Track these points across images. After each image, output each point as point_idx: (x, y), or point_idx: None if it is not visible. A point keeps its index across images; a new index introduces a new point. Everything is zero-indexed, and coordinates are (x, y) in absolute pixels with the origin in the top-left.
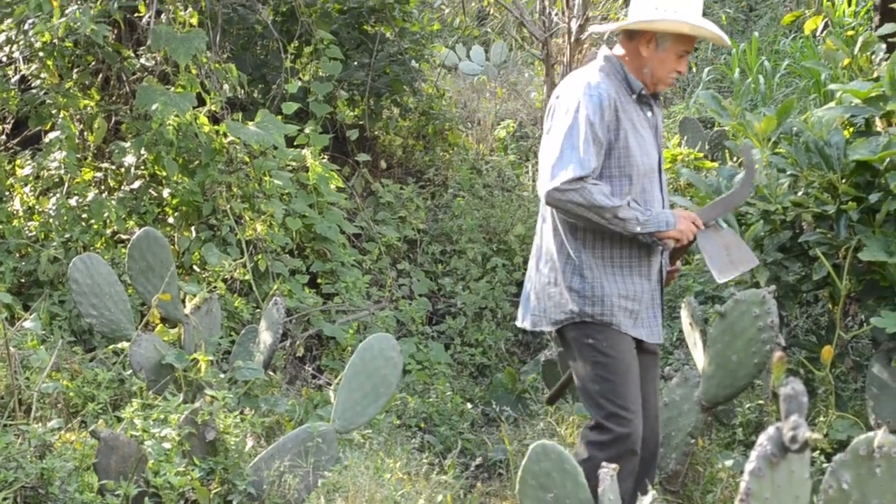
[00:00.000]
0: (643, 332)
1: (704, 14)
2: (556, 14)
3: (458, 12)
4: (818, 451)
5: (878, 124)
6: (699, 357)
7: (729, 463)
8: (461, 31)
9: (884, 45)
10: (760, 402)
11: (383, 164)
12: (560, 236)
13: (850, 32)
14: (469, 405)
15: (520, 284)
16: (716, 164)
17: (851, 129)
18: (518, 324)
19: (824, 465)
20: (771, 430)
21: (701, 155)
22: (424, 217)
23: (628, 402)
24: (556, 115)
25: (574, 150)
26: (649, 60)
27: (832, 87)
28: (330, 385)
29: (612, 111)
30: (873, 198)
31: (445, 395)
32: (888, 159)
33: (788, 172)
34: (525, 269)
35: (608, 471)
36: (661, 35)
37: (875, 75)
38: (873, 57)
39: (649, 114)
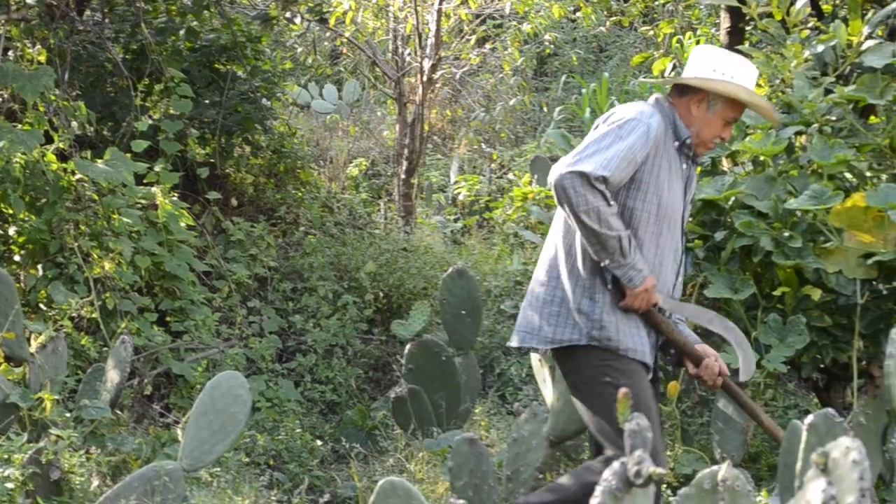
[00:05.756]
0: (649, 358)
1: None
2: (409, 53)
3: (310, 51)
4: (665, 486)
5: (724, 164)
6: (548, 393)
7: None
8: (314, 70)
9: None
10: None
11: (234, 202)
12: (574, 258)
13: None
14: (319, 442)
15: (371, 321)
16: None
17: (699, 169)
18: (511, 343)
19: (670, 499)
20: (616, 464)
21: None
22: (275, 255)
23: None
24: (597, 129)
25: (603, 151)
26: (697, 120)
27: None
28: (178, 423)
29: (655, 144)
30: (719, 236)
31: (295, 432)
32: (733, 198)
33: None
34: (377, 306)
35: None
36: (714, 97)
37: None
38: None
39: (684, 166)
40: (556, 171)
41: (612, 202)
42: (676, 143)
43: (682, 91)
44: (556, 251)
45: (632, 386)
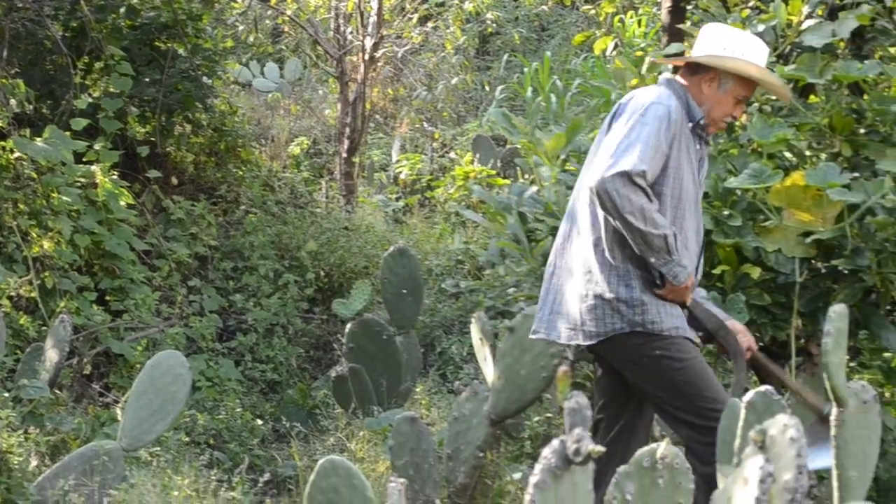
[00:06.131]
0: (691, 333)
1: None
2: (351, 32)
3: (251, 29)
4: None
5: None
6: (489, 372)
7: (517, 476)
8: (255, 48)
9: (670, 66)
10: (549, 415)
11: (174, 181)
12: (602, 248)
13: (640, 53)
14: (259, 421)
15: (312, 300)
16: (507, 181)
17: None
18: (537, 336)
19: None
20: (555, 442)
21: (493, 172)
22: (216, 233)
23: (720, 396)
24: (619, 119)
25: (635, 145)
26: (708, 99)
27: None
28: (118, 403)
29: (675, 127)
30: None
31: (235, 411)
32: None
33: None
34: (318, 285)
35: (396, 485)
36: (725, 75)
37: None
38: (660, 76)
39: (698, 147)
40: (594, 176)
41: (653, 198)
42: (690, 125)
43: (693, 70)
44: (585, 243)
45: (691, 361)
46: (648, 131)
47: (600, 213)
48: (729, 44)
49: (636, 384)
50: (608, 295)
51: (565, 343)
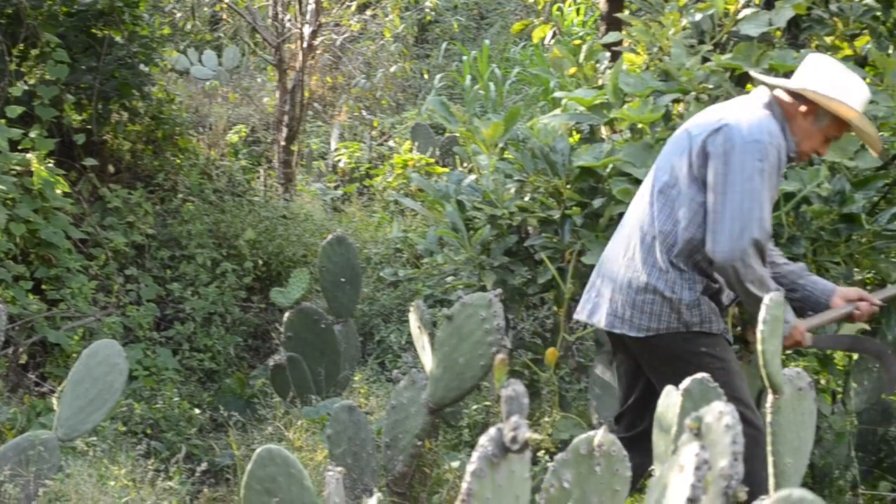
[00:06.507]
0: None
1: None
2: (289, 19)
3: (189, 17)
4: (543, 451)
5: (603, 131)
6: (427, 360)
7: (455, 464)
8: (193, 36)
9: (608, 54)
10: (487, 403)
11: (111, 169)
12: (670, 248)
13: (578, 41)
14: (197, 411)
15: (250, 289)
16: (446, 170)
17: (578, 136)
18: (581, 317)
19: (548, 465)
20: (492, 430)
21: (432, 160)
22: (153, 222)
23: (749, 401)
24: (729, 154)
25: (757, 203)
26: (801, 131)
27: (558, 94)
28: (53, 393)
29: (779, 165)
30: (597, 203)
31: (173, 400)
32: (611, 165)
33: (515, 178)
34: (256, 274)
35: (334, 474)
36: (824, 113)
37: (599, 83)
38: (598, 65)
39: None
40: (722, 248)
41: (766, 261)
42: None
43: (792, 95)
44: (646, 238)
45: (730, 361)
46: (766, 181)
47: (675, 214)
48: (837, 80)
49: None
50: (669, 294)
51: (606, 329)
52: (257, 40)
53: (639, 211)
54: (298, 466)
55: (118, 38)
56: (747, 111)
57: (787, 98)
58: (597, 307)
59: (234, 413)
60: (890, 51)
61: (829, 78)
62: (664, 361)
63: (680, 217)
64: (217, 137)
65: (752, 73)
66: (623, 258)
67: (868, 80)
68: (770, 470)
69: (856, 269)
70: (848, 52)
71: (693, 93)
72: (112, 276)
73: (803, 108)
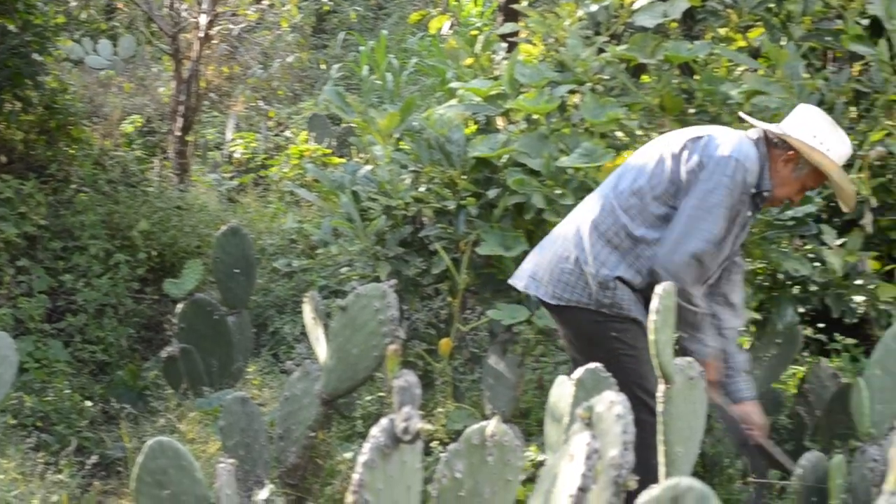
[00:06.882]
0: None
1: None
2: (185, 9)
3: (84, 6)
4: (436, 442)
5: (499, 122)
6: (321, 351)
7: (348, 455)
8: (88, 25)
9: (504, 45)
10: (381, 394)
11: (3, 159)
12: (605, 232)
13: (475, 32)
14: (88, 403)
15: (143, 280)
16: (343, 160)
17: (474, 127)
18: (511, 279)
19: (441, 455)
20: (384, 421)
21: (329, 151)
22: (45, 213)
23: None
24: (706, 167)
25: (711, 218)
26: (779, 176)
27: (454, 85)
28: None
29: (747, 192)
30: (492, 193)
31: (64, 392)
32: (506, 156)
33: (410, 168)
34: (149, 265)
35: (225, 466)
36: (804, 163)
37: (496, 74)
38: (494, 56)
39: (749, 213)
40: (663, 251)
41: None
42: (753, 191)
43: (775, 142)
44: (598, 226)
45: (643, 350)
46: (727, 199)
47: (633, 212)
48: (820, 134)
49: (583, 356)
50: (587, 267)
51: (523, 290)
52: (153, 30)
53: (593, 205)
54: (189, 458)
55: (11, 27)
56: (733, 134)
57: (770, 144)
58: (523, 271)
59: (126, 405)
60: (783, 42)
61: (813, 130)
62: (578, 337)
63: (635, 214)
64: (112, 127)
65: (742, 114)
66: (562, 235)
67: (761, 71)
68: (661, 459)
69: (748, 260)
70: (742, 43)
71: (588, 84)
72: (3, 268)
73: (786, 155)
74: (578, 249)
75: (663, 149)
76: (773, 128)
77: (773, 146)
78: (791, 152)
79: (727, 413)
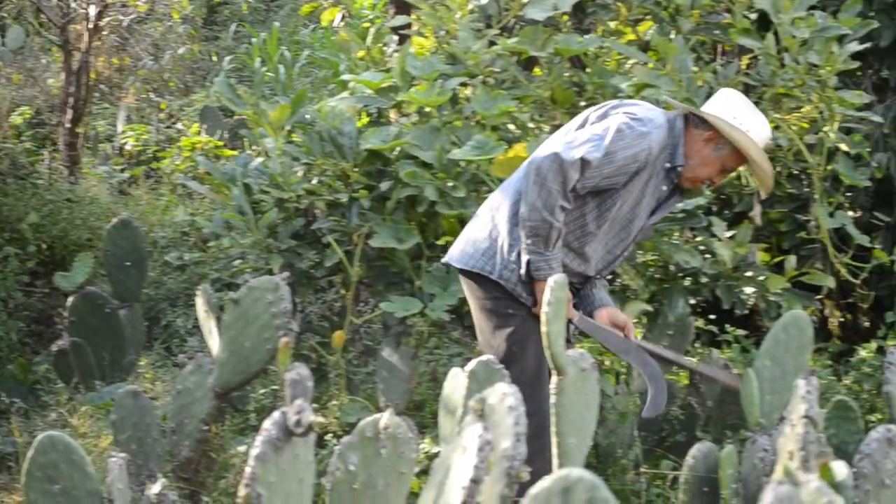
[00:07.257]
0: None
1: None
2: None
3: None
4: (331, 434)
5: (391, 114)
6: (214, 344)
7: (242, 448)
8: None
9: (396, 37)
10: (274, 387)
11: None
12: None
13: (367, 24)
14: None
15: (33, 273)
16: (235, 153)
17: (366, 119)
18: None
19: (335, 448)
20: (276, 414)
21: (221, 143)
22: None
23: (538, 383)
24: (610, 116)
25: (595, 146)
26: (698, 155)
27: (345, 77)
28: None
29: (649, 161)
30: (384, 186)
31: None
32: (399, 148)
33: (302, 161)
34: (39, 258)
35: (117, 460)
36: (724, 142)
37: (387, 66)
38: (386, 48)
39: (664, 188)
40: (551, 155)
41: (570, 196)
42: (668, 165)
43: (695, 123)
44: (508, 201)
45: (535, 338)
46: (621, 141)
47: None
48: (740, 115)
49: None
50: (499, 238)
51: (446, 260)
52: (42, 20)
53: (515, 182)
54: (80, 453)
55: None
56: (646, 106)
57: (692, 126)
58: (454, 248)
59: (16, 399)
60: (672, 36)
61: (733, 111)
62: (479, 309)
63: None
64: (0, 119)
65: (665, 98)
66: (481, 214)
67: (651, 65)
68: (554, 450)
69: (639, 252)
70: (631, 36)
71: (480, 76)
72: None
73: (706, 134)
74: (497, 219)
75: (589, 115)
76: (693, 109)
77: (693, 126)
78: (711, 132)
79: (596, 327)
